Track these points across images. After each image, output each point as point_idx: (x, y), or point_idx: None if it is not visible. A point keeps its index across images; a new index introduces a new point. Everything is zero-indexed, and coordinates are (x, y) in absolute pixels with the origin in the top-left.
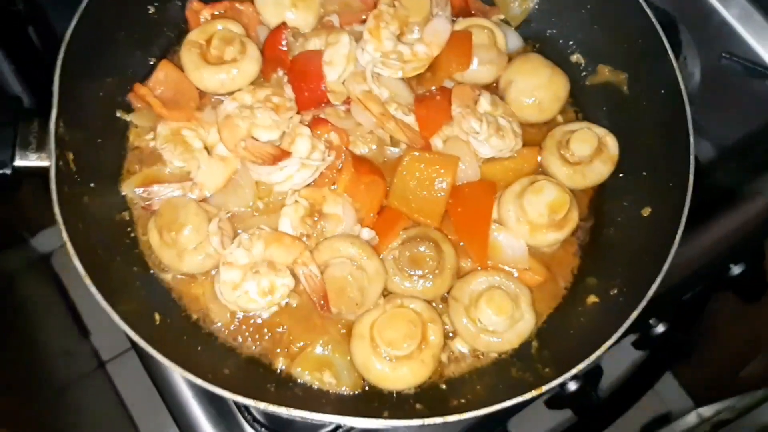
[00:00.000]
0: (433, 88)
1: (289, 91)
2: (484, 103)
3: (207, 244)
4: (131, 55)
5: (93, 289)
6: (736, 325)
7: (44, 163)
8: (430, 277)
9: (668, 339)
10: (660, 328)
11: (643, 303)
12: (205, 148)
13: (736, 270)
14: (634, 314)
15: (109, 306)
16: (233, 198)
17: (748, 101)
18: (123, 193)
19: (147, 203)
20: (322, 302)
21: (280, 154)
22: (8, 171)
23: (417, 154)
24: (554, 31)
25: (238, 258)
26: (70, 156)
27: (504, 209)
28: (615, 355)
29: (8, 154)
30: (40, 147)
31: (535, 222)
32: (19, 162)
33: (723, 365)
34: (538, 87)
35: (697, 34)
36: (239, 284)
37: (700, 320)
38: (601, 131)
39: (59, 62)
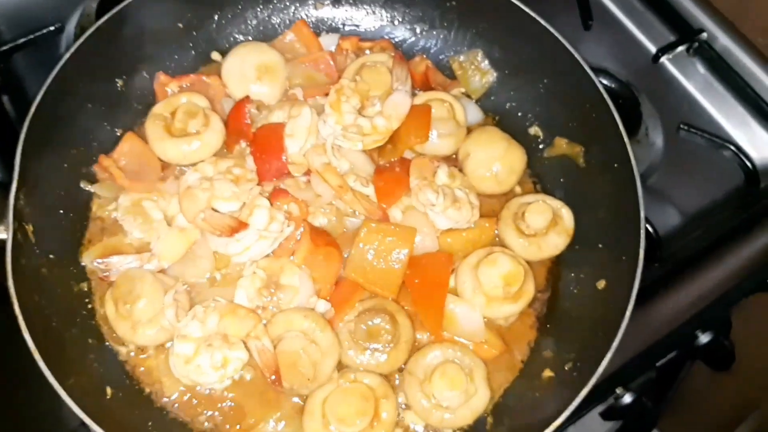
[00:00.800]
0: (393, 159)
1: (250, 162)
2: (442, 175)
3: (162, 316)
4: (98, 127)
5: (42, 365)
6: (715, 391)
7: (1, 236)
8: (386, 350)
9: (638, 408)
10: (627, 398)
11: (593, 379)
12: (166, 219)
13: (703, 338)
14: (584, 391)
15: (57, 383)
16: (191, 269)
17: (711, 169)
18: (83, 264)
19: (105, 274)
20: (274, 377)
21: (238, 226)
22: None
23: (374, 225)
24: (513, 104)
25: (192, 331)
26: (30, 228)
27: (460, 280)
28: (586, 426)
29: None
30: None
31: (490, 294)
32: None
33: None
34: (495, 159)
35: (659, 103)
36: (192, 358)
37: (674, 388)
38: (556, 204)
39: (23, 134)
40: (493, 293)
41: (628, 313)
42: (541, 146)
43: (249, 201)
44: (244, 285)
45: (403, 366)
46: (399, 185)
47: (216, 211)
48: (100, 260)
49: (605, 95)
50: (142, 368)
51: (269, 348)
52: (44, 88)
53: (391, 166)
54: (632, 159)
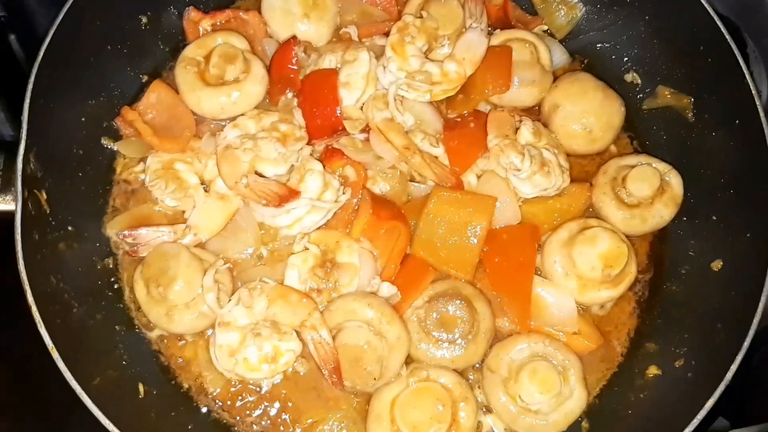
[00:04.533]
0: (465, 112)
1: (299, 117)
2: (526, 132)
3: (201, 300)
4: (119, 73)
5: (63, 367)
6: None
7: (9, 207)
8: (462, 343)
9: None
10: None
11: (722, 387)
12: (202, 183)
13: None
14: (710, 402)
15: (81, 387)
16: (233, 243)
17: None
18: (107, 236)
19: (133, 248)
20: (334, 375)
21: (288, 194)
22: None
23: (446, 194)
24: (606, 45)
25: (237, 318)
26: (43, 196)
27: (549, 260)
28: None
29: None
30: (5, 187)
31: (586, 276)
32: None
33: None
34: (589, 112)
35: (763, 46)
36: (238, 349)
37: None
38: (663, 167)
39: (31, 81)
40: (590, 276)
41: (761, 304)
42: (639, 96)
43: (299, 164)
44: (295, 263)
45: (480, 361)
46: (475, 145)
47: (260, 175)
48: (126, 232)
49: (727, 35)
50: (179, 359)
51: (328, 340)
52: (55, 25)
53: (463, 121)
54: (761, 113)
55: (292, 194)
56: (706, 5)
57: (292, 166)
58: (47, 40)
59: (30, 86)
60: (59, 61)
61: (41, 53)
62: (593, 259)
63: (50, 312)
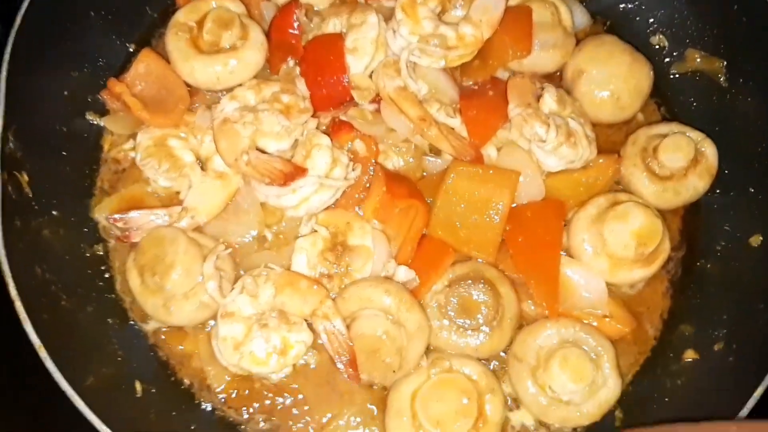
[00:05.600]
0: (482, 80)
1: (302, 86)
2: (549, 100)
3: (201, 289)
4: (104, 41)
5: (51, 367)
6: None
7: None
8: (486, 329)
9: None
10: None
11: None
12: (198, 161)
13: None
14: (760, 390)
15: (73, 389)
16: (234, 226)
17: None
18: (95, 220)
19: (124, 233)
20: (350, 368)
21: (293, 172)
22: None
23: (465, 169)
24: (630, 6)
25: (241, 307)
26: (24, 178)
27: (577, 238)
28: None
29: None
30: None
31: (617, 255)
32: None
33: None
34: (616, 78)
35: None
36: (243, 341)
37: None
38: (696, 135)
39: (7, 53)
40: (622, 254)
41: None
42: (666, 60)
43: (304, 138)
44: (303, 246)
45: (505, 349)
46: (495, 114)
47: (262, 151)
48: (117, 216)
49: None
50: (179, 353)
51: (342, 330)
52: None
53: (480, 89)
54: None
55: (298, 171)
56: None
57: (297, 140)
58: (23, 6)
59: (6, 57)
60: (37, 30)
61: (17, 21)
62: (625, 236)
63: (36, 306)
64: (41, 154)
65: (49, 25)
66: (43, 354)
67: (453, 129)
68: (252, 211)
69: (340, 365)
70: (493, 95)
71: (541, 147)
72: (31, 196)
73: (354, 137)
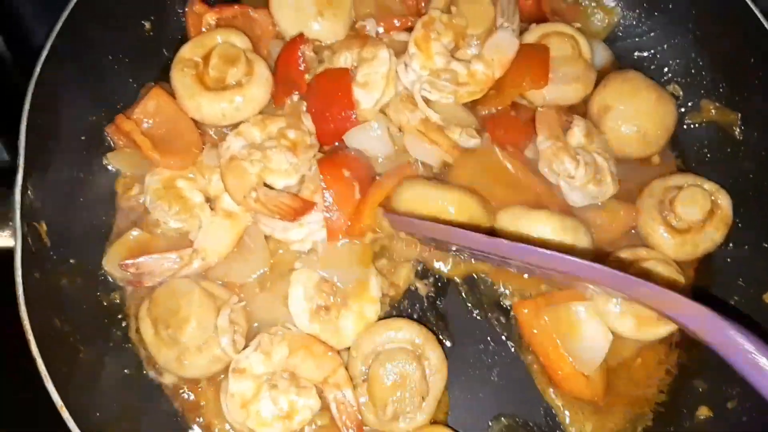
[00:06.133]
0: (498, 108)
1: (307, 121)
2: (578, 133)
3: (214, 341)
4: (122, 84)
5: (73, 427)
6: None
7: (7, 244)
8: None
9: None
10: None
11: None
12: (207, 201)
13: None
14: None
15: None
16: (241, 266)
17: None
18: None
19: (137, 279)
20: None
21: (302, 207)
22: None
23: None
24: (645, 54)
25: (253, 365)
26: (43, 227)
27: (605, 295)
28: None
29: None
30: (2, 222)
31: (644, 314)
32: None
33: None
34: (643, 113)
35: None
36: (251, 400)
37: None
38: (710, 187)
39: (28, 99)
40: (648, 313)
41: None
42: (681, 110)
43: (312, 173)
44: (300, 279)
45: None
46: (522, 135)
47: (269, 187)
48: (129, 262)
49: None
50: (193, 406)
51: (351, 402)
52: (52, 37)
53: (504, 111)
54: None
55: (307, 206)
56: (758, 14)
57: (303, 175)
58: (43, 54)
59: (26, 107)
60: (56, 77)
61: (37, 70)
62: None
63: (56, 360)
64: (59, 201)
65: (68, 70)
66: (65, 415)
67: None
68: (258, 251)
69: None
70: (515, 116)
71: (569, 182)
72: (49, 245)
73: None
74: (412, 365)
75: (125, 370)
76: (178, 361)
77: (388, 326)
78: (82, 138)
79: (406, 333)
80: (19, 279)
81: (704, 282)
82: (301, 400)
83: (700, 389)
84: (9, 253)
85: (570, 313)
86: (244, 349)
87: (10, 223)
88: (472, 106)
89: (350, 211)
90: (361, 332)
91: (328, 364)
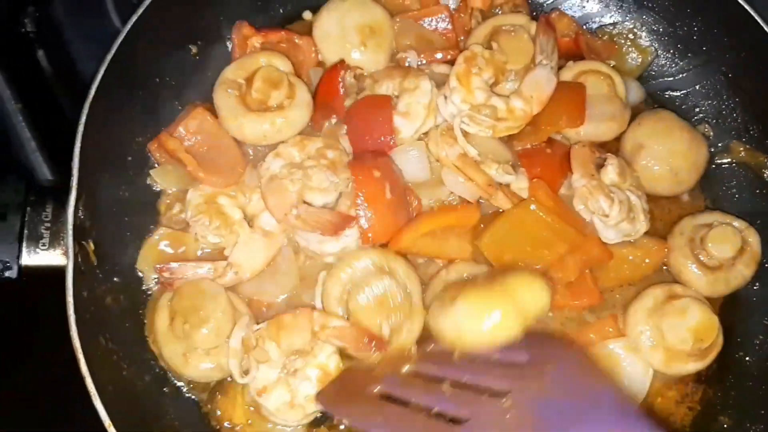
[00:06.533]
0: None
1: (345, 143)
2: (612, 171)
3: (222, 351)
4: (167, 107)
5: None
6: None
7: (59, 262)
8: None
9: None
10: None
11: None
12: (246, 219)
13: None
14: None
15: None
16: (270, 286)
17: None
18: (138, 272)
19: (168, 281)
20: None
21: (342, 222)
22: (13, 274)
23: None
24: (677, 94)
25: (267, 376)
26: (91, 246)
27: (635, 329)
28: None
29: (14, 252)
30: (54, 240)
31: (674, 349)
32: (27, 260)
33: None
34: (676, 153)
35: None
36: (291, 399)
37: None
38: (740, 224)
39: (81, 125)
40: (679, 348)
41: None
42: (711, 150)
43: (348, 190)
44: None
45: None
46: (558, 173)
47: (309, 204)
48: (164, 265)
49: None
50: (228, 423)
51: (340, 324)
52: (105, 64)
53: (539, 149)
54: None
55: (347, 220)
56: None
57: (340, 193)
58: (98, 77)
59: (80, 130)
60: (108, 99)
61: (91, 92)
62: (683, 332)
63: (103, 379)
64: (105, 221)
65: (118, 96)
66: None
67: (515, 193)
68: (290, 272)
69: (362, 348)
70: (551, 153)
71: (604, 221)
72: (95, 264)
73: None
74: (384, 280)
75: (164, 389)
76: (183, 357)
77: (346, 263)
78: (129, 158)
79: (365, 259)
80: (70, 298)
81: (728, 321)
82: (320, 356)
83: (725, 425)
84: (60, 271)
85: (608, 353)
86: None
87: (62, 242)
88: (507, 140)
89: (383, 210)
90: (325, 281)
91: (302, 322)
